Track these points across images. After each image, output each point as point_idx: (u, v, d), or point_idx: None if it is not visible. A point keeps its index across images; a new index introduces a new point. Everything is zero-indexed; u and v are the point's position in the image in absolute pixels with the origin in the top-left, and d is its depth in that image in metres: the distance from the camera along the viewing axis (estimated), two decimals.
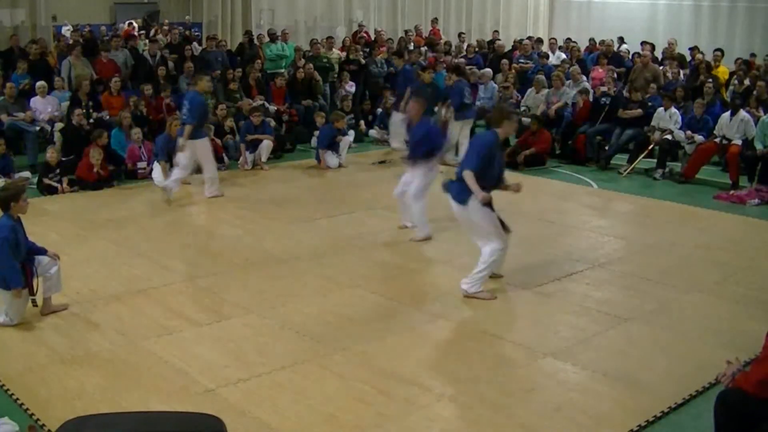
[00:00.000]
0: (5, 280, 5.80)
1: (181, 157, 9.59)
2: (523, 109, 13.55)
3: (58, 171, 9.98)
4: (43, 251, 6.15)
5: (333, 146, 11.61)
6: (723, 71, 14.28)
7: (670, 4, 19.76)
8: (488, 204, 6.34)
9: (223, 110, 11.17)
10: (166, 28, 15.54)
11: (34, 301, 6.04)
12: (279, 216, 9.08)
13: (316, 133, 13.05)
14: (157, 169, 10.33)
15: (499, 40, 18.11)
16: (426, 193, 8.07)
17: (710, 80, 12.85)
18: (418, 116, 8.11)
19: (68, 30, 16.02)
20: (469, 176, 6.26)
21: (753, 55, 15.34)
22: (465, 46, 17.47)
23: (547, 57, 16.00)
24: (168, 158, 10.33)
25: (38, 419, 4.67)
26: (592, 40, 17.92)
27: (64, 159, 10.56)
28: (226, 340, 5.77)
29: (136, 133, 10.76)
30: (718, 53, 14.57)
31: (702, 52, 15.57)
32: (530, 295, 6.81)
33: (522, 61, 16.08)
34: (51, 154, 10.00)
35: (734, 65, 14.51)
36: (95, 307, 6.33)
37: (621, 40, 17.53)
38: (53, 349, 5.58)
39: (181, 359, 5.44)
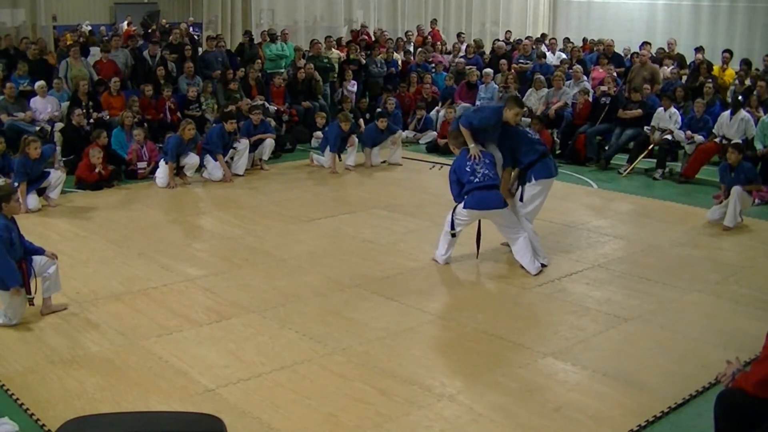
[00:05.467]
0: (1, 279, 5.80)
1: None
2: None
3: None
4: (40, 251, 6.15)
5: (341, 148, 11.60)
6: (730, 74, 14.19)
7: (669, 4, 19.77)
8: None
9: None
10: (177, 31, 15.53)
11: (30, 301, 6.04)
12: (279, 216, 9.08)
13: (317, 133, 13.08)
14: (162, 169, 10.35)
15: (504, 40, 18.14)
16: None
17: (710, 80, 12.85)
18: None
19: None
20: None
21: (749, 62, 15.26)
22: (464, 46, 17.48)
23: (544, 56, 16.03)
24: (177, 160, 10.38)
25: (38, 419, 4.67)
26: (585, 39, 17.98)
27: (63, 159, 10.58)
28: (226, 340, 5.77)
29: (138, 134, 10.75)
30: (727, 55, 14.50)
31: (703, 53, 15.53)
32: (530, 295, 6.82)
33: (522, 61, 16.10)
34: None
35: (738, 66, 14.48)
36: (95, 307, 6.33)
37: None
38: (53, 349, 5.58)
39: (181, 359, 5.44)
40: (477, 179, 7.06)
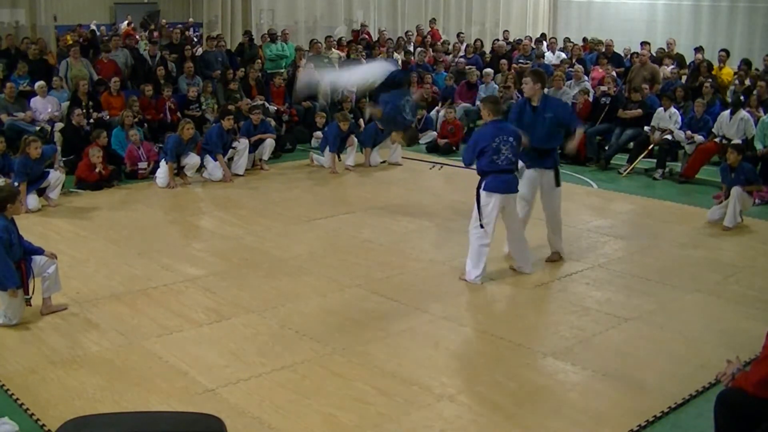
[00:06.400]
0: (0, 280, 5.80)
1: None
2: None
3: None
4: (39, 251, 6.15)
5: (341, 148, 11.61)
6: (727, 72, 14.22)
7: (669, 4, 19.77)
8: None
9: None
10: (177, 31, 15.57)
11: (28, 301, 6.04)
12: (279, 216, 9.08)
13: (317, 133, 13.08)
14: (162, 169, 10.36)
15: (503, 40, 18.14)
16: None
17: (710, 80, 12.85)
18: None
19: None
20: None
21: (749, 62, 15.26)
22: (464, 46, 17.49)
23: (543, 56, 16.02)
24: (177, 160, 10.40)
25: (38, 419, 4.67)
26: (585, 39, 17.99)
27: (63, 159, 10.57)
28: (226, 340, 5.77)
29: (134, 134, 10.77)
30: (723, 54, 14.52)
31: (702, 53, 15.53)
32: (530, 295, 6.81)
33: (522, 61, 16.09)
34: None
35: (738, 65, 14.47)
36: (95, 307, 6.33)
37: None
38: (53, 349, 5.59)
39: (181, 359, 5.44)
40: (500, 161, 6.77)
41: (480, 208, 6.87)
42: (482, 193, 6.88)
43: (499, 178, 6.83)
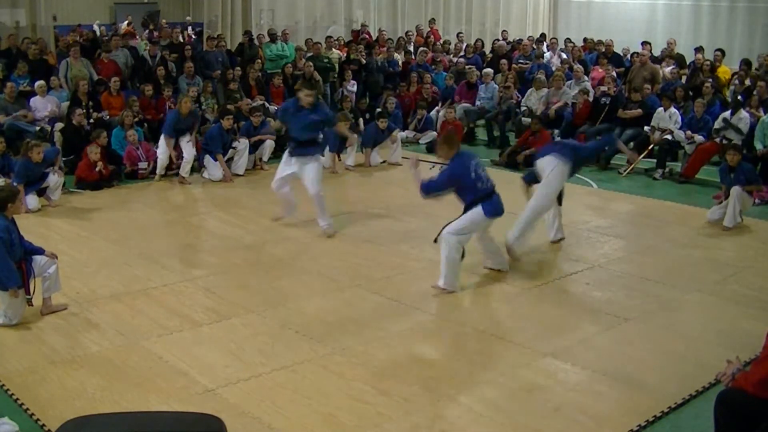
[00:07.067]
0: (1, 280, 5.81)
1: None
2: (523, 109, 13.57)
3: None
4: (40, 251, 6.15)
5: (341, 148, 11.61)
6: (724, 71, 14.25)
7: (669, 4, 19.78)
8: None
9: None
10: (177, 31, 15.62)
11: (29, 301, 6.05)
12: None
13: None
14: (162, 146, 10.51)
15: (502, 40, 18.15)
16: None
17: (710, 80, 12.86)
18: None
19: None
20: None
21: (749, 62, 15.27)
22: (464, 46, 17.49)
23: (542, 56, 16.02)
24: (176, 137, 10.53)
25: (38, 419, 4.67)
26: (586, 39, 18.01)
27: (63, 159, 10.58)
28: (226, 340, 5.77)
29: (132, 135, 10.78)
30: (719, 53, 14.57)
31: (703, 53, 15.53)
32: (530, 295, 6.81)
33: (522, 61, 16.10)
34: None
35: (737, 66, 14.49)
36: (95, 307, 6.33)
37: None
38: (53, 349, 5.59)
39: (181, 359, 5.44)
40: (486, 184, 6.69)
41: (467, 222, 6.68)
42: (481, 215, 6.66)
43: (496, 202, 6.71)
